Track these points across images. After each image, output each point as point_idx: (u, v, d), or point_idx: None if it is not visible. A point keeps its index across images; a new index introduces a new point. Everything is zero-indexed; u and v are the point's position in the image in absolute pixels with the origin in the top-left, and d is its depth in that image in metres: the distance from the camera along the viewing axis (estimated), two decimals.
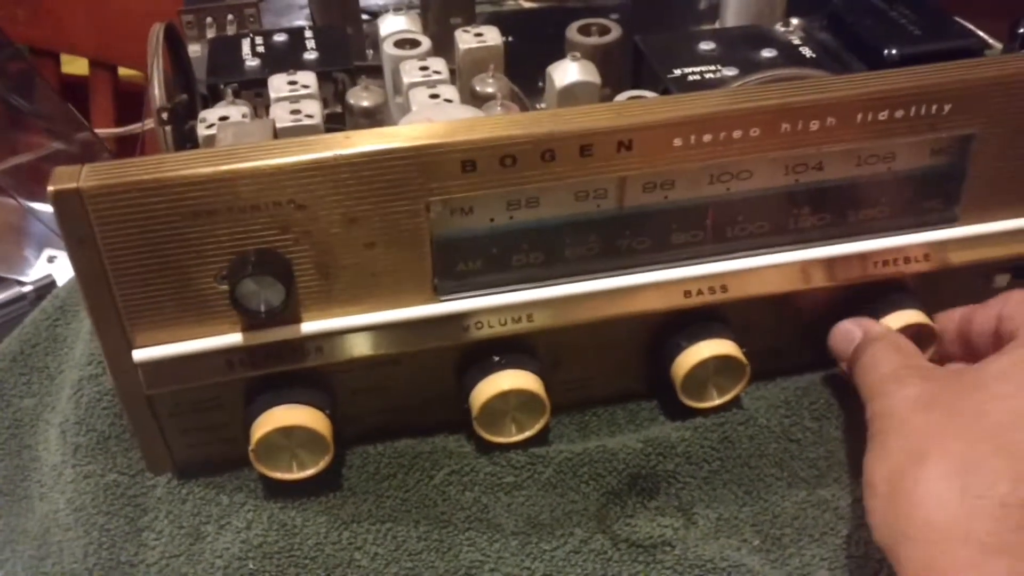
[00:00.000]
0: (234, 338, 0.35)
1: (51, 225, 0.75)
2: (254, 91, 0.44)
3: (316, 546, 0.36)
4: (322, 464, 0.36)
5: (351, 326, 0.36)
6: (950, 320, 0.39)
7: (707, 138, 0.34)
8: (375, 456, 0.39)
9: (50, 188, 0.31)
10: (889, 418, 0.32)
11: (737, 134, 0.34)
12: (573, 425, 0.40)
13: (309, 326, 0.35)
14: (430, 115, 0.38)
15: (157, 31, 0.45)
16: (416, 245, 0.35)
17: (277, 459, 0.36)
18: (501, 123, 0.33)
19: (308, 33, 0.48)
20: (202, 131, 0.39)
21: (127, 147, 0.76)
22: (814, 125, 0.35)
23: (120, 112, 0.76)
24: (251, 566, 0.35)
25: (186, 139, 0.43)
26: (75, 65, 0.77)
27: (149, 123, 0.74)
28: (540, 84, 0.49)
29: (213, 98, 0.45)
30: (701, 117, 0.34)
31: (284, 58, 0.45)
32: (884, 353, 0.35)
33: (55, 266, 0.72)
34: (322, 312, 0.35)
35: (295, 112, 0.40)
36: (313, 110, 0.40)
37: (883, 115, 0.35)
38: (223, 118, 0.40)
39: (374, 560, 0.36)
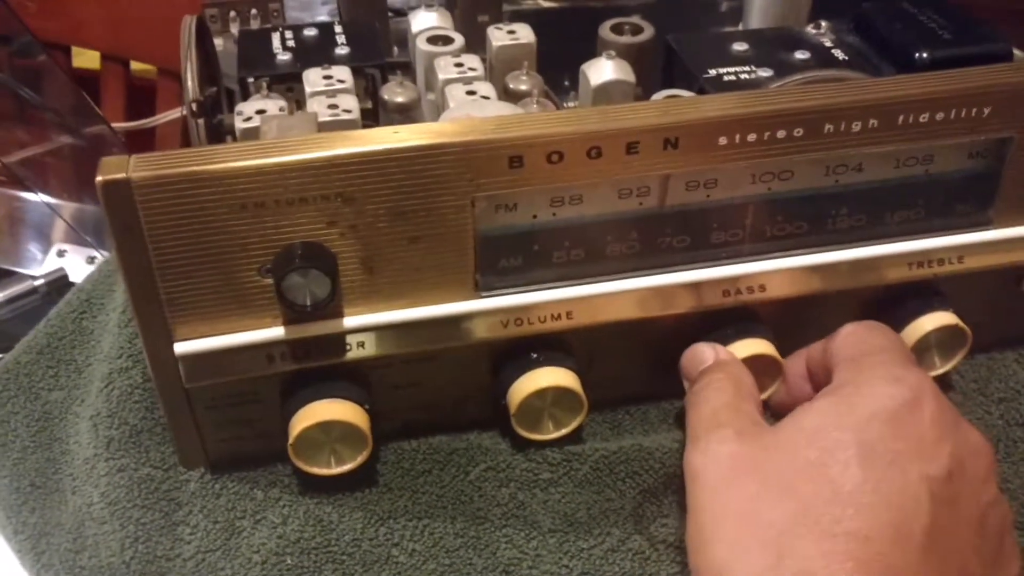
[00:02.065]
0: (276, 332, 0.35)
1: (66, 218, 0.75)
2: (285, 85, 0.44)
3: (353, 542, 0.36)
4: (360, 459, 0.36)
5: (393, 321, 0.35)
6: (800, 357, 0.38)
7: (752, 137, 0.34)
8: (409, 452, 0.39)
9: (99, 178, 0.31)
10: (700, 481, 0.31)
11: (781, 134, 0.35)
12: (606, 423, 0.40)
13: (351, 320, 0.35)
14: (469, 111, 0.38)
15: (189, 24, 0.45)
16: (460, 240, 0.34)
17: (316, 454, 0.36)
18: (550, 120, 0.33)
19: (338, 28, 0.48)
20: (240, 124, 0.39)
21: (137, 141, 0.76)
22: (856, 126, 0.35)
23: (131, 106, 0.76)
24: (289, 561, 0.35)
25: (217, 132, 0.43)
26: (85, 58, 0.76)
27: (163, 117, 0.74)
28: (566, 82, 0.50)
29: (243, 92, 0.44)
30: (748, 116, 0.34)
31: (316, 53, 0.45)
32: (719, 386, 0.34)
33: (66, 260, 0.71)
34: (364, 307, 0.35)
35: (332, 107, 0.40)
36: (351, 105, 0.40)
37: (924, 117, 0.36)
38: (260, 111, 0.39)
39: (412, 556, 0.36)
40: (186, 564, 0.35)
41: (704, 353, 0.37)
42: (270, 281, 0.33)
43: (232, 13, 0.54)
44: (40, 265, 0.71)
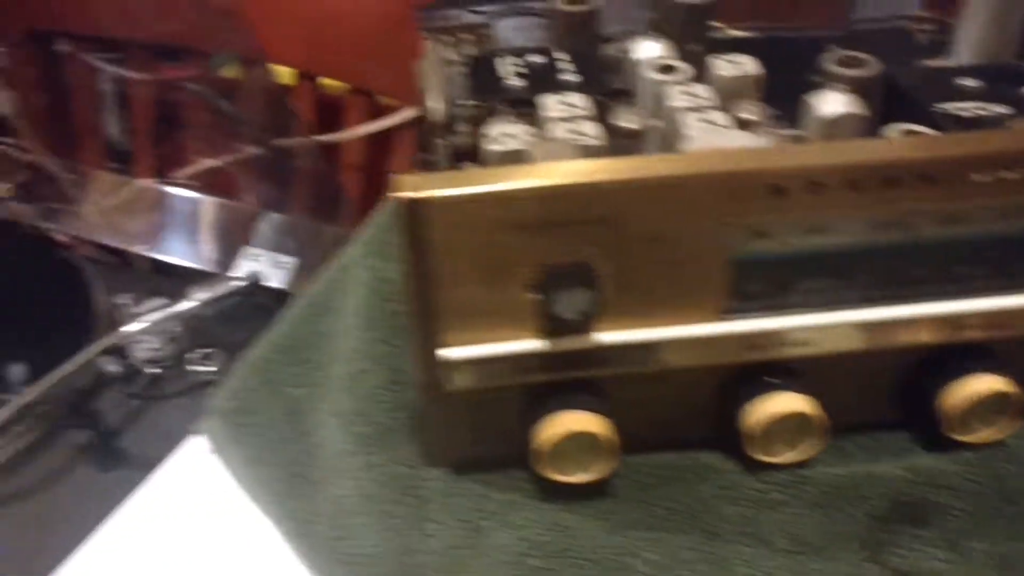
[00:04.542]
0: (534, 344, 0.37)
1: (257, 225, 0.79)
2: (516, 110, 0.47)
3: (593, 548, 0.38)
4: (606, 470, 0.38)
5: (640, 340, 0.37)
6: None
7: (1009, 175, 0.35)
8: (636, 466, 0.40)
9: (397, 194, 0.33)
10: None
11: None
12: (832, 449, 0.41)
13: (604, 337, 0.37)
14: (715, 140, 0.40)
15: (432, 48, 0.48)
16: (711, 265, 0.36)
17: (561, 462, 0.38)
18: (811, 151, 0.35)
19: (560, 55, 0.50)
20: (489, 146, 0.41)
21: (324, 156, 0.80)
22: None
23: (320, 121, 0.80)
24: (534, 563, 0.37)
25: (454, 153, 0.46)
26: (281, 75, 0.81)
27: (349, 132, 0.78)
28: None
29: (472, 115, 0.47)
30: (1004, 153, 0.35)
31: (545, 79, 0.47)
32: None
33: (260, 264, 0.76)
34: (615, 324, 0.37)
35: (573, 132, 0.42)
36: (593, 131, 0.42)
37: None
38: (507, 135, 0.42)
39: (650, 566, 0.37)
40: (437, 559, 0.38)
41: None
42: (535, 296, 0.35)
43: (447, 38, 0.57)
44: (234, 268, 0.76)
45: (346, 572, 0.37)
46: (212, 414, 0.44)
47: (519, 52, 0.50)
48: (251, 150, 0.81)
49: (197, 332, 0.63)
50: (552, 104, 0.44)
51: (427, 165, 0.51)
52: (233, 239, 0.78)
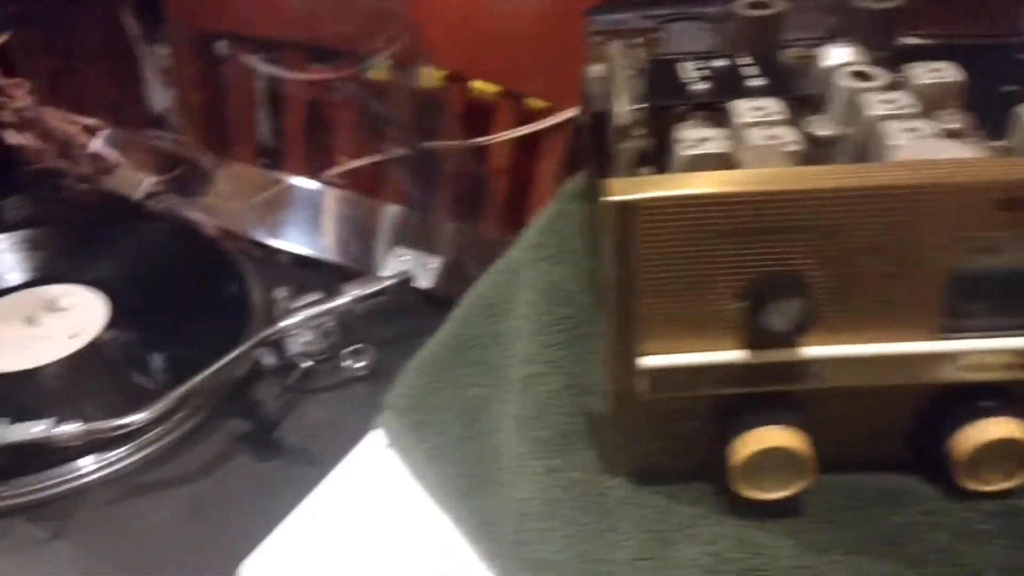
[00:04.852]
0: (736, 355, 0.36)
1: (404, 225, 0.80)
2: (701, 114, 0.46)
3: (787, 569, 0.36)
4: (801, 487, 0.36)
5: (850, 355, 0.36)
6: None
7: None
8: (829, 486, 0.39)
9: (608, 198, 0.33)
10: None
11: None
12: None
13: (811, 351, 0.35)
14: (924, 151, 0.38)
15: (618, 51, 0.47)
16: (932, 280, 0.34)
17: (757, 478, 0.36)
18: None
19: (743, 60, 0.48)
20: (682, 151, 0.41)
21: (471, 158, 0.80)
22: None
23: (468, 123, 0.80)
24: None
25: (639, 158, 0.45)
26: (429, 77, 0.82)
27: (500, 135, 0.78)
28: None
29: (657, 119, 0.46)
30: None
31: (730, 83, 0.46)
32: None
33: (406, 264, 0.76)
34: (825, 337, 0.35)
35: (772, 138, 0.40)
36: (792, 136, 0.40)
37: None
38: (702, 139, 0.41)
39: None
40: (622, 569, 0.37)
41: None
42: (740, 305, 0.34)
43: (619, 41, 0.57)
44: (382, 267, 0.77)
45: None
46: (389, 410, 0.44)
47: (702, 56, 0.49)
48: (399, 151, 0.82)
49: (347, 328, 0.64)
50: (744, 109, 0.43)
51: (599, 168, 0.51)
52: (380, 238, 0.79)
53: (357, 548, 0.39)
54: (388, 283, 0.70)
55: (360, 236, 0.82)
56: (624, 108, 0.44)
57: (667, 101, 0.46)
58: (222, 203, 0.87)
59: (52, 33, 0.94)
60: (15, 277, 0.71)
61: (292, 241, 0.83)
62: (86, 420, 0.56)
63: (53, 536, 0.53)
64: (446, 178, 0.81)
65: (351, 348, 0.65)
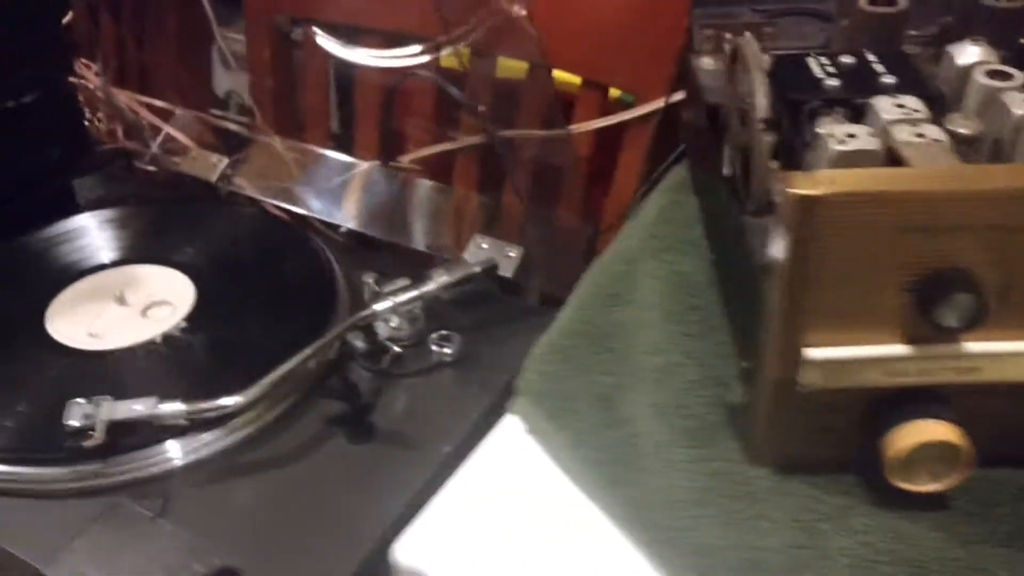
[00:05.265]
0: (904, 349, 0.36)
1: (481, 213, 0.81)
2: (834, 110, 0.46)
3: (941, 560, 0.37)
4: (956, 481, 0.37)
5: (1011, 350, 0.36)
6: None
7: None
8: (976, 480, 0.39)
9: (790, 191, 0.33)
10: None
11: None
12: None
13: (974, 346, 0.36)
14: None
15: (749, 43, 0.47)
16: None
17: (913, 471, 0.37)
18: None
19: (870, 56, 0.49)
20: (834, 146, 0.41)
21: (550, 148, 0.81)
22: None
23: (549, 116, 0.81)
24: (883, 569, 0.36)
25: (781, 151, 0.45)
26: (508, 68, 0.82)
27: (583, 126, 0.78)
28: None
29: (789, 115, 0.46)
30: None
31: (862, 80, 0.47)
32: None
33: (486, 252, 0.76)
34: (991, 333, 0.36)
35: (919, 136, 0.41)
36: (938, 134, 0.41)
37: None
38: (849, 135, 0.41)
39: None
40: (777, 556, 0.37)
41: None
42: (911, 301, 0.35)
43: (728, 35, 0.57)
44: (463, 254, 0.77)
45: (691, 563, 0.37)
46: (523, 396, 0.45)
47: (825, 52, 0.50)
48: (475, 139, 0.82)
49: (431, 314, 0.65)
50: (887, 106, 0.43)
51: (713, 162, 0.51)
52: (456, 226, 0.80)
53: (505, 530, 0.40)
54: (476, 270, 0.70)
55: (434, 222, 0.82)
56: (765, 102, 0.45)
57: (801, 96, 0.46)
58: (293, 186, 0.87)
59: (123, 14, 0.94)
60: (103, 255, 0.71)
61: (363, 225, 0.83)
62: (185, 400, 0.56)
63: (158, 515, 0.54)
64: (523, 167, 0.81)
65: (438, 334, 0.66)
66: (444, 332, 0.66)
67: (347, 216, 0.84)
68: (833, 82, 0.47)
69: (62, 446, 0.55)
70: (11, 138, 0.75)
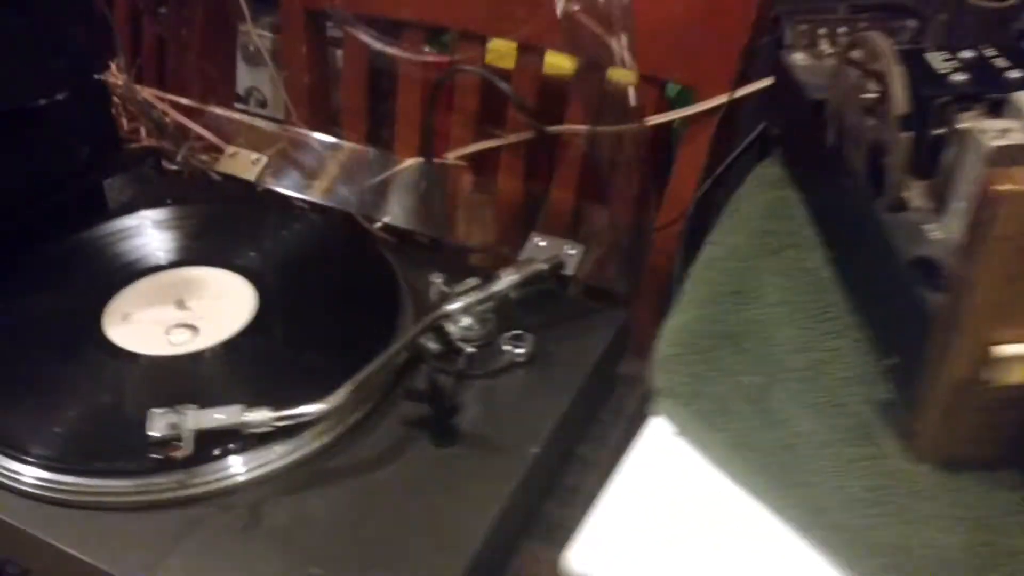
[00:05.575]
0: None
1: (536, 209, 0.79)
2: (958, 106, 0.46)
3: None
4: None
5: None
6: None
7: None
8: None
9: (1001, 187, 0.33)
10: None
11: None
12: None
13: None
14: None
15: (883, 38, 0.47)
16: None
17: None
18: None
19: (989, 51, 0.49)
20: (988, 142, 0.41)
21: (602, 143, 0.80)
22: None
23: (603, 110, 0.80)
24: None
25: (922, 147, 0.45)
26: (557, 61, 0.81)
27: (636, 123, 0.77)
28: None
29: (920, 110, 0.46)
30: None
31: (988, 75, 0.47)
32: None
33: (545, 250, 0.75)
34: None
35: None
36: None
37: None
38: (1003, 130, 0.41)
39: None
40: (961, 555, 0.37)
41: None
42: None
43: (823, 30, 0.57)
44: (520, 253, 0.76)
45: (879, 564, 0.36)
46: (666, 398, 0.44)
47: (944, 47, 0.50)
48: (523, 135, 0.81)
49: (500, 314, 0.64)
50: None
51: (817, 158, 0.51)
52: (503, 222, 0.79)
53: (672, 533, 0.39)
54: (544, 267, 0.69)
55: (479, 219, 0.81)
56: (903, 97, 0.44)
57: (929, 91, 0.46)
58: (333, 185, 0.85)
59: (145, 10, 0.91)
60: (161, 257, 0.69)
61: (407, 222, 0.82)
62: (267, 407, 0.54)
63: (246, 525, 0.52)
64: (573, 163, 0.80)
65: (511, 333, 0.64)
66: (517, 332, 0.65)
67: (390, 214, 0.82)
68: (960, 76, 0.47)
69: (146, 456, 0.53)
70: (42, 136, 0.72)
